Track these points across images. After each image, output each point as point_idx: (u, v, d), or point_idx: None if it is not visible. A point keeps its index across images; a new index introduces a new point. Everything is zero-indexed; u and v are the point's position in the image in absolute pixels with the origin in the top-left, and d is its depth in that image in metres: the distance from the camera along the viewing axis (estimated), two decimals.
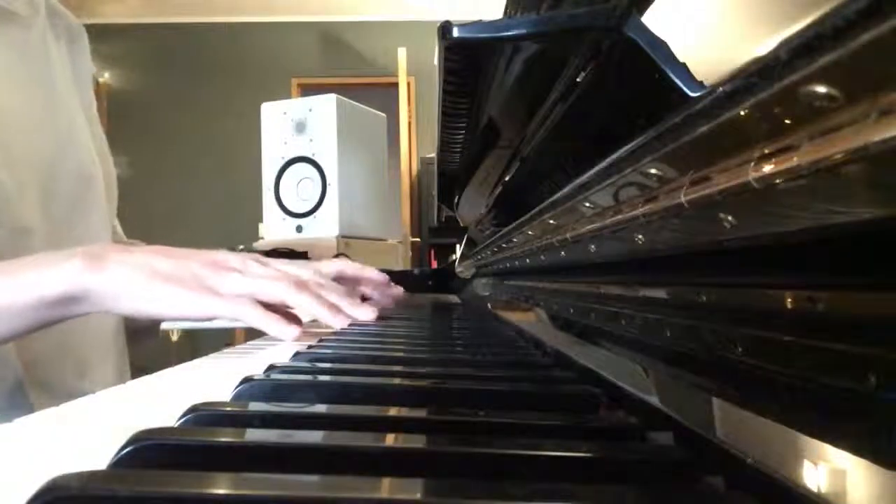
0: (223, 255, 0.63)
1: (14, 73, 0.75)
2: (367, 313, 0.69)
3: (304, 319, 0.67)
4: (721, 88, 0.18)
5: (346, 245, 1.92)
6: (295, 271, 0.66)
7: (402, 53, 3.55)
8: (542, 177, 0.62)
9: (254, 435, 0.24)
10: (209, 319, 0.59)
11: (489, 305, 0.97)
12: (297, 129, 1.99)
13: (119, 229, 0.96)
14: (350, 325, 0.70)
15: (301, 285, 0.63)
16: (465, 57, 0.44)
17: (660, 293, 0.31)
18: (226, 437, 0.23)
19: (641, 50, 0.32)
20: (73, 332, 0.64)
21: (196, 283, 0.57)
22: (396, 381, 0.37)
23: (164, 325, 0.93)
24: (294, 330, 0.59)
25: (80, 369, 0.75)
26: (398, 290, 0.95)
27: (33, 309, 0.54)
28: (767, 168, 0.16)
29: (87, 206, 0.80)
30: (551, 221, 0.42)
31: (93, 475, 0.18)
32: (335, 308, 0.65)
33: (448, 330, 0.76)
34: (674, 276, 0.29)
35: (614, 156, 0.28)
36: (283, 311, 0.63)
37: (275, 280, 0.61)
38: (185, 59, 4.78)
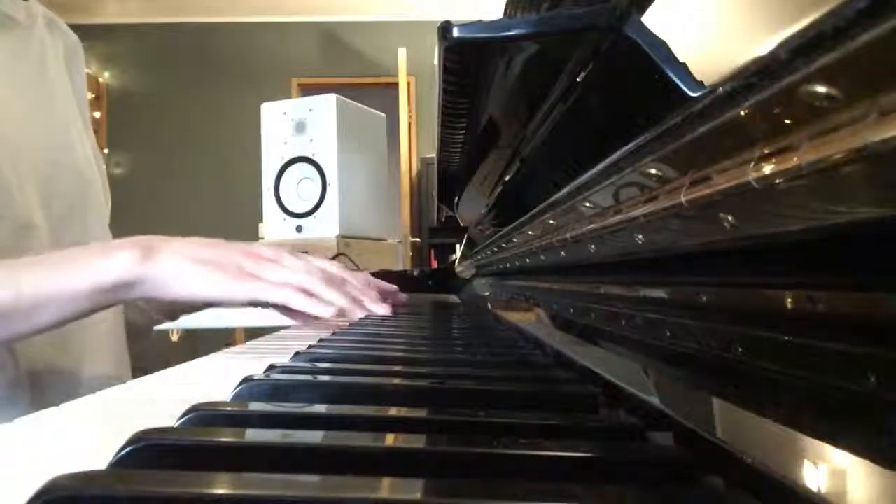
0: (259, 247, 0.70)
1: (14, 74, 0.76)
2: (384, 308, 0.75)
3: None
4: (721, 88, 0.18)
5: (346, 245, 1.92)
6: (321, 265, 0.71)
7: (402, 53, 3.54)
8: (542, 177, 0.62)
9: (254, 435, 0.24)
10: (252, 303, 0.64)
11: (489, 305, 0.97)
12: (297, 129, 1.99)
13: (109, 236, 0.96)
14: (350, 325, 0.71)
15: (329, 279, 0.69)
16: (465, 57, 0.43)
17: (660, 293, 0.31)
18: (226, 437, 0.23)
19: (641, 50, 0.32)
20: (68, 330, 0.65)
21: (238, 270, 0.63)
22: (396, 381, 0.37)
23: (164, 326, 0.93)
24: (332, 309, 0.65)
25: (76, 367, 0.75)
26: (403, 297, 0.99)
27: (90, 294, 0.58)
28: (767, 168, 0.16)
29: (85, 208, 0.81)
30: (551, 221, 0.42)
31: (92, 475, 0.18)
32: (357, 302, 0.71)
33: (448, 330, 0.76)
34: (674, 276, 0.29)
35: (614, 156, 0.28)
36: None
37: (308, 272, 0.67)
38: (186, 59, 4.78)
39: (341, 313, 0.69)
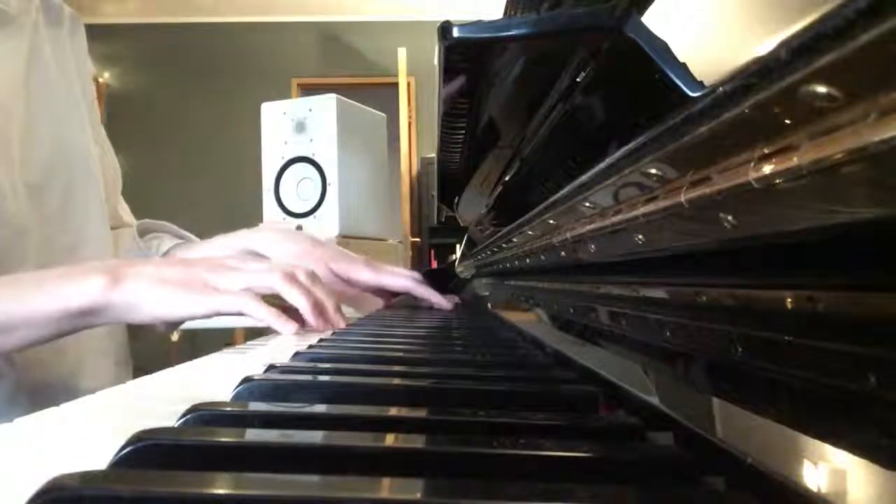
0: (224, 258, 0.69)
1: (6, 73, 0.74)
2: (340, 322, 0.71)
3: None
4: (721, 88, 0.18)
5: (347, 245, 1.92)
6: (290, 268, 0.69)
7: (402, 53, 3.55)
8: (542, 177, 0.62)
9: (254, 435, 0.24)
10: (215, 315, 0.63)
11: (489, 305, 0.97)
12: (297, 129, 1.99)
13: (126, 217, 0.96)
14: (350, 325, 0.71)
15: (292, 278, 0.66)
16: (465, 57, 0.43)
17: (660, 293, 0.31)
18: (226, 437, 0.23)
19: (641, 50, 0.32)
20: None
21: (201, 284, 0.62)
22: (396, 381, 0.37)
23: None
24: (292, 326, 0.63)
25: (74, 370, 0.75)
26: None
27: (56, 320, 0.58)
28: (767, 168, 0.16)
29: (82, 198, 0.80)
30: (551, 221, 0.42)
31: (93, 475, 0.18)
32: (318, 306, 0.67)
33: (448, 330, 0.76)
34: (674, 276, 0.29)
35: (614, 156, 0.28)
36: (288, 310, 0.65)
37: (268, 272, 0.66)
38: (185, 59, 4.78)
39: (300, 324, 0.65)
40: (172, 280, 0.61)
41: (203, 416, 0.26)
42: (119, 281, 0.60)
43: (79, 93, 0.84)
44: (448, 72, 0.46)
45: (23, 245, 0.70)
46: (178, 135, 4.71)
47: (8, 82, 0.74)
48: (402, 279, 0.97)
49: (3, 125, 0.71)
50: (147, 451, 0.21)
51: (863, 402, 0.16)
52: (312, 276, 0.70)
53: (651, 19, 0.32)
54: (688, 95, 0.27)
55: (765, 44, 0.19)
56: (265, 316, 0.62)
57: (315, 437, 0.24)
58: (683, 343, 0.27)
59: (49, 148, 0.77)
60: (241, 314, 0.62)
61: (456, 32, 0.39)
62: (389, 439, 0.24)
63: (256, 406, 0.30)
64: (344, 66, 4.76)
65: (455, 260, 1.58)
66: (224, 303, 0.61)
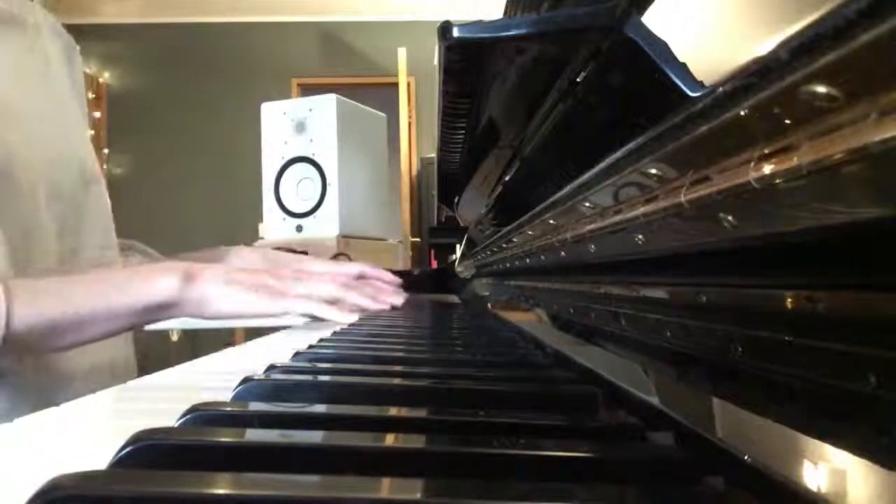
0: (284, 270, 0.82)
1: (24, 74, 0.76)
2: (400, 298, 0.89)
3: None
4: (721, 88, 0.18)
5: (346, 245, 1.92)
6: (338, 270, 0.87)
7: (402, 53, 3.54)
8: (542, 177, 0.62)
9: (254, 435, 0.24)
10: (283, 315, 0.74)
11: (489, 305, 0.97)
12: (297, 129, 1.99)
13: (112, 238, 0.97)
14: (350, 324, 0.71)
15: (347, 284, 0.81)
16: (465, 57, 0.43)
17: (660, 293, 0.31)
18: (226, 437, 0.23)
19: (641, 50, 0.32)
20: None
21: (268, 289, 0.72)
22: (396, 380, 0.37)
23: (164, 326, 0.94)
24: (354, 315, 0.76)
25: (76, 370, 0.75)
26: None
27: (137, 313, 0.64)
28: (767, 168, 0.16)
29: (89, 207, 0.81)
30: (551, 221, 0.42)
31: (92, 475, 0.18)
32: (374, 299, 0.84)
33: (448, 330, 0.77)
34: (674, 276, 0.29)
35: (614, 156, 0.28)
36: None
37: (325, 283, 0.79)
38: (185, 59, 4.77)
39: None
40: (242, 282, 0.69)
41: (203, 416, 0.26)
42: (193, 279, 0.66)
43: (78, 106, 0.86)
44: (448, 72, 0.46)
45: (39, 241, 0.71)
46: (179, 135, 4.71)
47: (23, 81, 0.75)
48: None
49: (16, 122, 0.72)
50: (147, 451, 0.21)
51: (863, 402, 0.16)
52: (355, 274, 0.86)
53: (651, 19, 0.32)
54: (688, 95, 0.27)
55: (765, 44, 0.19)
56: (329, 314, 0.74)
57: (315, 437, 0.24)
58: (683, 343, 0.27)
59: (60, 148, 0.78)
60: (307, 314, 0.74)
61: (456, 32, 0.39)
62: (389, 439, 0.24)
63: (256, 406, 0.30)
64: (344, 66, 4.75)
65: (455, 260, 1.58)
66: (294, 305, 0.72)
